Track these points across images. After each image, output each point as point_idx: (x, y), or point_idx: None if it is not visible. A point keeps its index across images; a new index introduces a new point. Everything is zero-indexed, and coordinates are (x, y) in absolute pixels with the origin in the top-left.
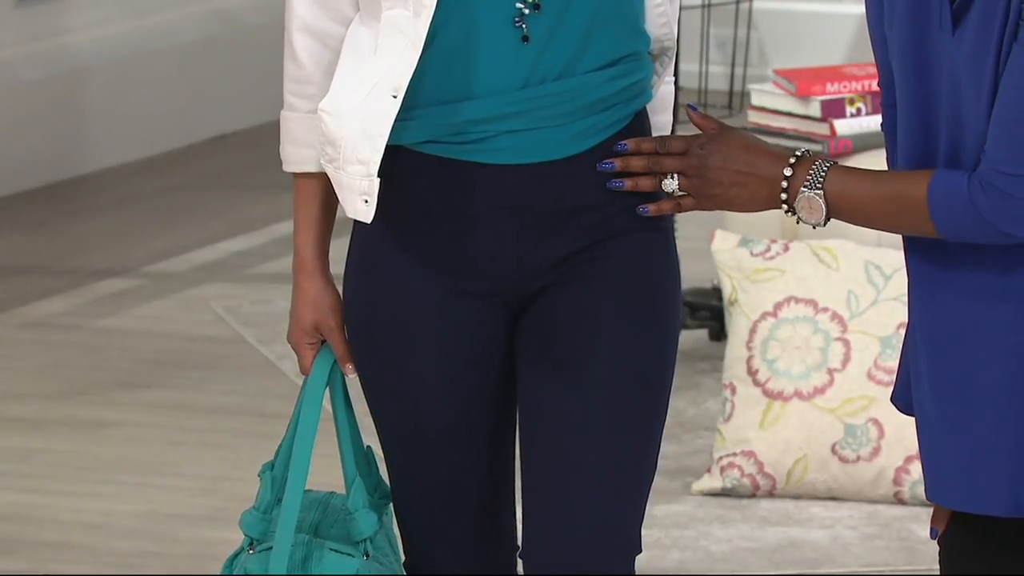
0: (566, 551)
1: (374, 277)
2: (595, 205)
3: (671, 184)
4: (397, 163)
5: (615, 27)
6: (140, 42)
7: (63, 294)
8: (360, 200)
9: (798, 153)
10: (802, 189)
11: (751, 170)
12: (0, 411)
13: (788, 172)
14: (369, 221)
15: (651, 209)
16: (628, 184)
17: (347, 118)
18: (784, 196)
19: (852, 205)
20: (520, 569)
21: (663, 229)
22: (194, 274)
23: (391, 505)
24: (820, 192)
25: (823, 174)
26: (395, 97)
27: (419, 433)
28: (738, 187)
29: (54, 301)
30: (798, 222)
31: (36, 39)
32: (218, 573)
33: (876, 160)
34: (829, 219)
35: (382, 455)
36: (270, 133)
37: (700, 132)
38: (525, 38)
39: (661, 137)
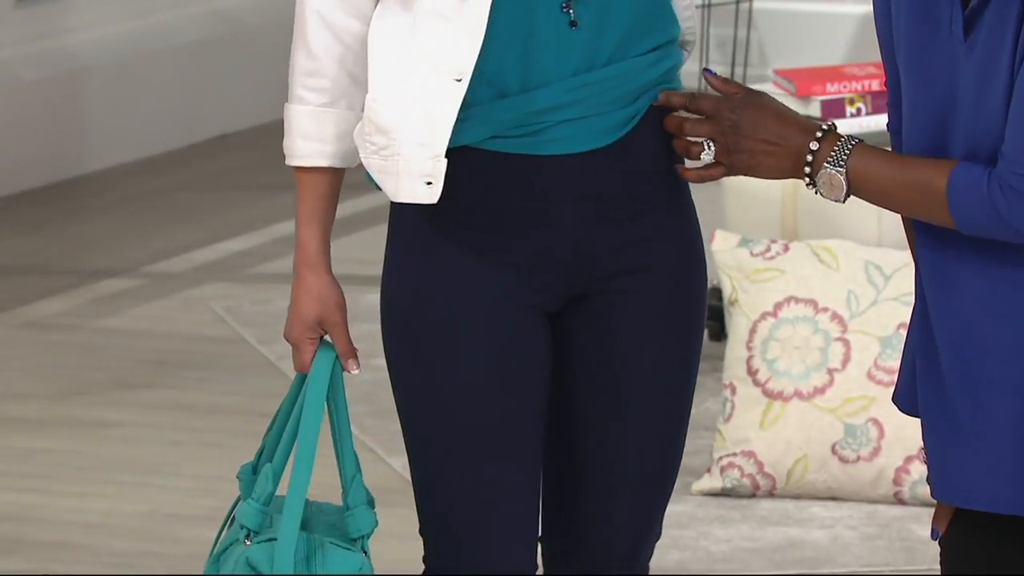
0: (602, 552)
1: (427, 272)
2: (645, 192)
3: (709, 154)
4: (454, 163)
5: (657, 12)
6: (140, 42)
7: (63, 294)
8: (421, 182)
9: (824, 127)
10: (825, 164)
11: (780, 141)
12: (0, 411)
13: (814, 146)
14: (434, 202)
15: (692, 176)
16: (692, 154)
17: (406, 102)
18: (808, 170)
19: (873, 186)
20: (550, 568)
21: (696, 228)
22: (194, 274)
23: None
24: (842, 170)
25: (847, 151)
26: (459, 81)
27: (458, 431)
28: (765, 155)
29: (54, 301)
30: (817, 193)
31: (36, 39)
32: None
33: None
34: (849, 196)
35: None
36: (270, 133)
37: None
38: (573, 23)
39: (691, 93)
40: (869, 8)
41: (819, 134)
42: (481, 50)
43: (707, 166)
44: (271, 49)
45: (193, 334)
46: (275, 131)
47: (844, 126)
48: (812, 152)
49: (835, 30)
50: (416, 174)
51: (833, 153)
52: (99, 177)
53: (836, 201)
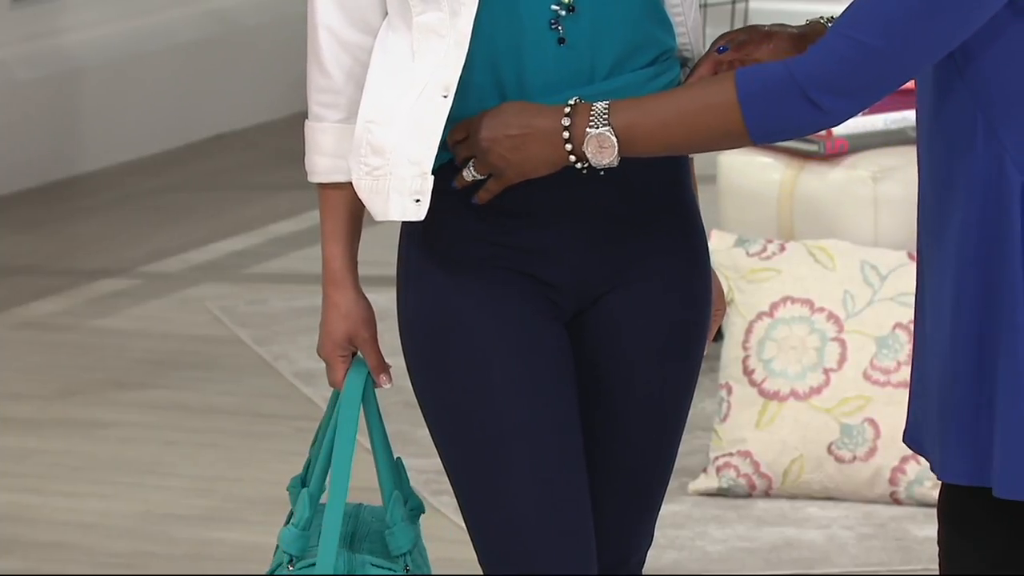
0: (605, 555)
1: (444, 288)
2: (647, 206)
3: (468, 172)
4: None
5: (651, 25)
6: (136, 42)
7: (59, 294)
8: (411, 200)
9: (571, 103)
10: (588, 130)
11: (526, 130)
12: None
13: (566, 121)
14: (421, 219)
15: (480, 199)
16: (457, 183)
17: (398, 123)
18: (569, 146)
19: (647, 129)
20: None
21: (702, 242)
22: (190, 274)
23: (420, 517)
24: (608, 127)
25: (605, 112)
26: (445, 97)
27: (507, 436)
28: (519, 151)
29: (50, 301)
30: (587, 169)
31: (32, 39)
32: (214, 573)
33: (874, 160)
34: (621, 158)
35: (410, 467)
36: (267, 133)
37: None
38: (561, 40)
39: (452, 131)
40: None
41: (567, 109)
42: (470, 67)
43: (484, 185)
44: (267, 49)
45: (189, 334)
46: (271, 131)
47: (840, 126)
48: (567, 128)
49: None
50: (406, 192)
51: (591, 119)
52: (95, 177)
53: (609, 166)
